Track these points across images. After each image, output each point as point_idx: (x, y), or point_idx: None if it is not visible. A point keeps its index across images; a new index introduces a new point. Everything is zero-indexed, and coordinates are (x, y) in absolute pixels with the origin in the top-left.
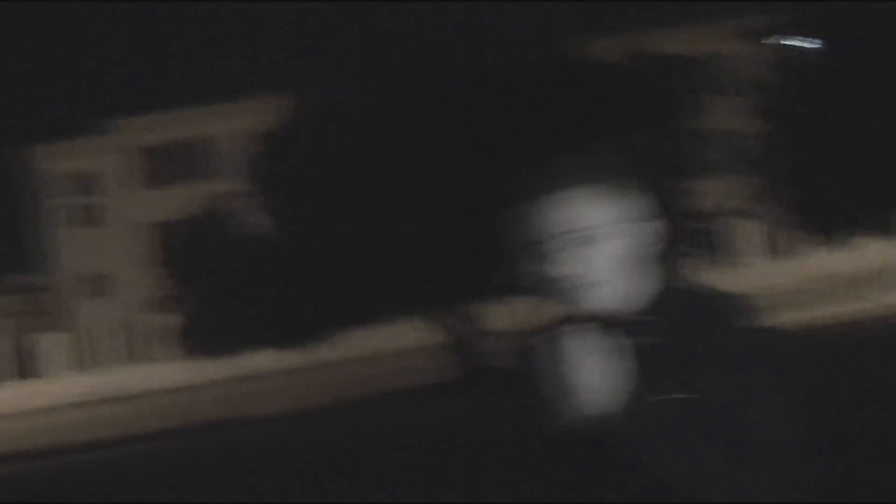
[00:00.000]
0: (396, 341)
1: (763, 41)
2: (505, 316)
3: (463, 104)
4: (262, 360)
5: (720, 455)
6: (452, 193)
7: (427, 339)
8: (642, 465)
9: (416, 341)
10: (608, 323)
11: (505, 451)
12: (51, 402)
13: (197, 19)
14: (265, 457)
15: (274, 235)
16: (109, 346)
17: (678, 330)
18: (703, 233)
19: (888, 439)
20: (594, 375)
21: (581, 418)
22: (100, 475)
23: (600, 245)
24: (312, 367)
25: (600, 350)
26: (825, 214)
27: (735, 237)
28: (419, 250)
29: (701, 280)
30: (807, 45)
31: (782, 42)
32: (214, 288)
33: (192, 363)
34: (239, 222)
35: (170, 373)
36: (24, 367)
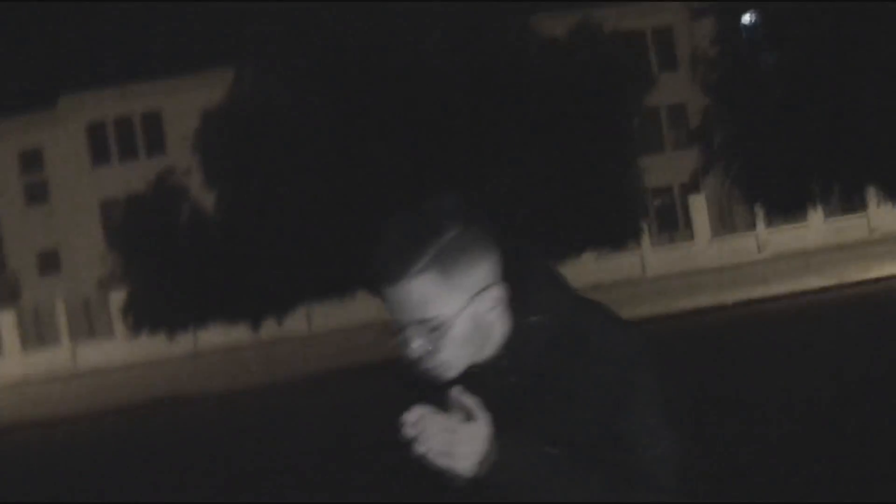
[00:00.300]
0: (345, 318)
1: (707, 16)
2: None
3: (396, 94)
4: (211, 337)
5: (598, 492)
6: (394, 172)
7: (374, 316)
8: None
9: (365, 318)
10: (462, 386)
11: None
12: (1, 380)
13: None
14: (214, 433)
15: (222, 211)
16: (59, 324)
17: (536, 373)
18: (654, 209)
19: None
20: (457, 441)
21: (456, 482)
22: (50, 452)
23: (447, 328)
24: (261, 343)
25: (460, 416)
26: (773, 189)
27: (685, 213)
28: (366, 226)
29: (568, 309)
30: (750, 18)
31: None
32: (163, 264)
33: (142, 340)
34: (187, 198)
35: (119, 350)
36: None
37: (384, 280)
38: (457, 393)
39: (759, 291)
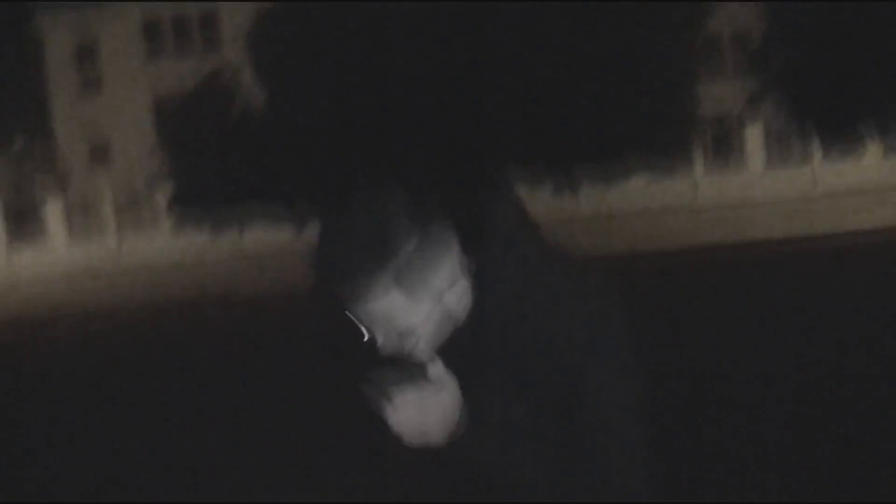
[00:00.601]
0: None
1: None
2: None
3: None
4: (256, 237)
5: (560, 462)
6: (440, 75)
7: None
8: (488, 484)
9: None
10: (428, 362)
11: None
12: (46, 271)
13: None
14: (254, 335)
15: (272, 111)
16: (106, 216)
17: (502, 337)
18: (710, 136)
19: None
20: (428, 411)
21: (424, 449)
22: (87, 346)
23: (415, 331)
24: (306, 245)
25: (427, 388)
26: (831, 123)
27: (741, 142)
28: (416, 130)
29: (534, 271)
30: None
31: None
32: (212, 162)
33: (187, 237)
34: (238, 97)
35: (164, 245)
36: (21, 235)
37: (339, 296)
38: (426, 362)
39: (808, 228)
